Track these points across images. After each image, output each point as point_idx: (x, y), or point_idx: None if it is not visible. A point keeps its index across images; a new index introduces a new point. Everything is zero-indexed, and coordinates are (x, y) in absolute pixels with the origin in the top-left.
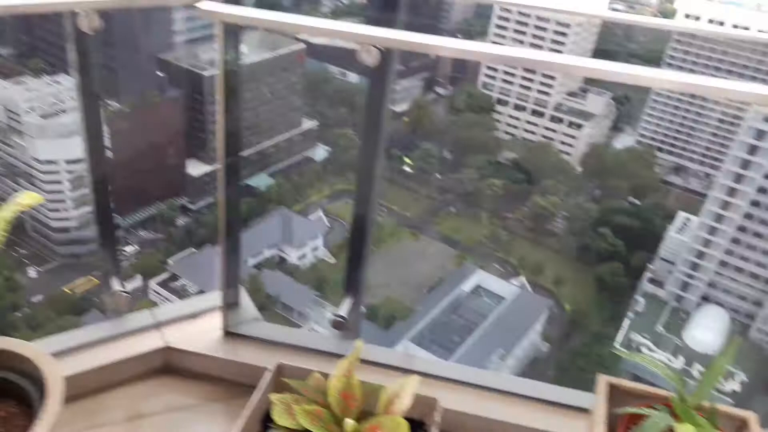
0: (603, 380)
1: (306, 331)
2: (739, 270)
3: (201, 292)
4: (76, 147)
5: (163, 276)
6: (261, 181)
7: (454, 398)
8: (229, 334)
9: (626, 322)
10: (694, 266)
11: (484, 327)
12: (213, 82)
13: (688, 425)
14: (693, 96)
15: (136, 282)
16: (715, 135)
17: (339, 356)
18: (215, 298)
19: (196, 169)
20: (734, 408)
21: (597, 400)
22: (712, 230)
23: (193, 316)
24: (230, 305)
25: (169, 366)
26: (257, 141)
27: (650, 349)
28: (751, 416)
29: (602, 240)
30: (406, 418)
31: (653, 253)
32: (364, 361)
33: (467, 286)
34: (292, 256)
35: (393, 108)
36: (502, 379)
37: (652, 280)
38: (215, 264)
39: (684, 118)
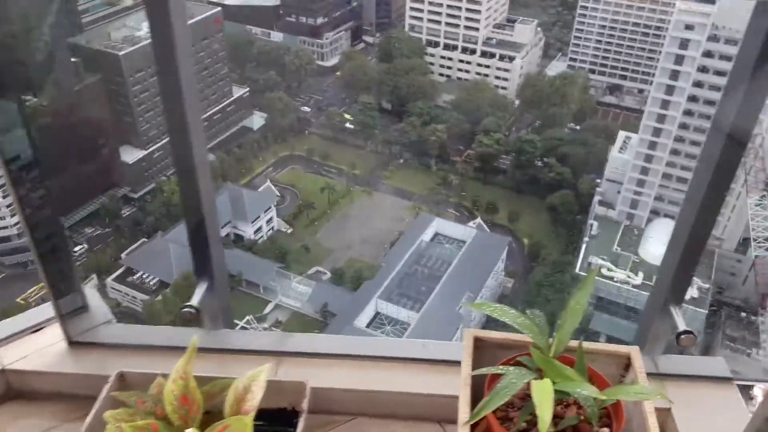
0: (468, 335)
1: (165, 329)
2: (682, 180)
3: (161, 282)
4: None
5: (119, 271)
6: None
7: (331, 375)
8: (75, 344)
9: (583, 247)
10: (640, 182)
11: (449, 273)
12: (131, 60)
13: (545, 381)
14: (617, 13)
15: (92, 282)
16: (642, 50)
17: (204, 350)
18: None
19: (130, 155)
20: (615, 345)
21: (463, 359)
22: (652, 145)
23: (36, 329)
24: (72, 313)
25: (12, 390)
26: None
27: (609, 269)
28: (633, 351)
29: (549, 170)
30: (277, 410)
31: (600, 176)
32: (231, 351)
33: (427, 235)
34: (248, 231)
35: (324, 63)
36: (380, 343)
37: (602, 203)
38: (170, 252)
39: (611, 36)
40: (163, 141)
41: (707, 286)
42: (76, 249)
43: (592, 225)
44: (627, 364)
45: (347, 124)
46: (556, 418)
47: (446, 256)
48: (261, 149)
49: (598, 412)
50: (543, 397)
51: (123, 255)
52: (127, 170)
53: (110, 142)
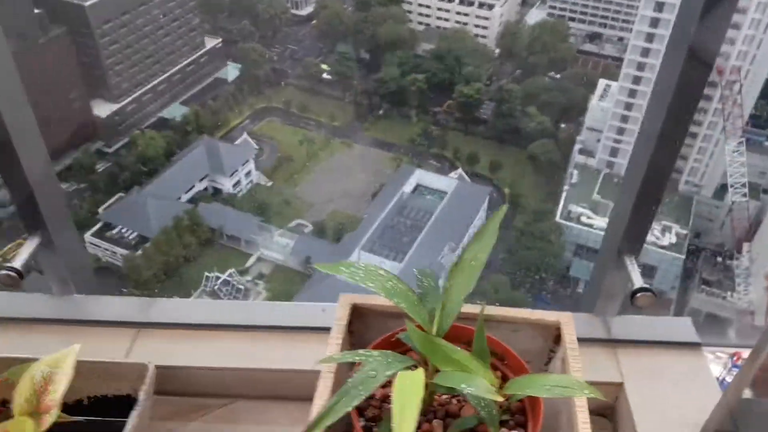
0: (344, 302)
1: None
2: None
3: (140, 236)
4: None
5: (97, 227)
6: (175, 111)
7: (203, 349)
8: None
9: (563, 195)
10: (620, 131)
11: (431, 224)
12: (98, 10)
13: (414, 375)
14: None
15: None
16: None
17: (48, 322)
18: None
19: (102, 109)
20: (540, 312)
21: (331, 335)
22: (632, 93)
23: None
24: None
25: None
26: (161, 70)
27: (589, 217)
28: (563, 319)
29: (530, 119)
30: (116, 397)
31: (580, 125)
32: (80, 322)
33: (408, 186)
34: (226, 185)
35: (298, 12)
36: (268, 309)
37: (582, 151)
38: (148, 206)
39: None
40: (137, 94)
41: (685, 232)
42: None
43: (572, 173)
44: (558, 335)
45: (324, 75)
46: (449, 417)
47: (428, 206)
48: (237, 102)
49: (508, 407)
50: (405, 400)
51: (100, 210)
52: (101, 124)
53: (81, 96)
